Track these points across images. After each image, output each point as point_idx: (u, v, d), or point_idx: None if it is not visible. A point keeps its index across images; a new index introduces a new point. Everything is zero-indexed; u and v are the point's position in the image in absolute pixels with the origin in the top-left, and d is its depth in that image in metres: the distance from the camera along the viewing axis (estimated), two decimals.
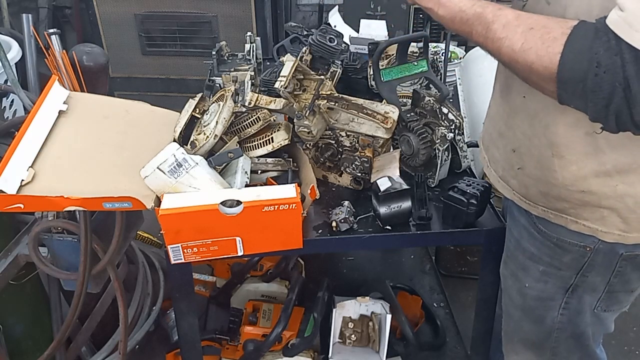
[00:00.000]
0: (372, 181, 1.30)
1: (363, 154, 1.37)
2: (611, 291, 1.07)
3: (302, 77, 1.36)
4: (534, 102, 0.98)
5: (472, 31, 0.92)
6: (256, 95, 1.30)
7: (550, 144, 0.97)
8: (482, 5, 0.92)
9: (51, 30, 1.46)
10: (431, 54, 1.79)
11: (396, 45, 1.38)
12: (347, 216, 1.27)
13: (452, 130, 1.37)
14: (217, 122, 1.23)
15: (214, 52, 1.56)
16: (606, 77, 0.75)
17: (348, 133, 1.38)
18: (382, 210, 1.25)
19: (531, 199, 1.07)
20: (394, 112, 1.34)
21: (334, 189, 1.45)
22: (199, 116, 1.34)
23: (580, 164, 0.95)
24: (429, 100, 1.38)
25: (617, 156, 0.92)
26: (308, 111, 1.31)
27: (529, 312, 1.18)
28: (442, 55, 1.81)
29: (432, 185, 1.43)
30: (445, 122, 1.37)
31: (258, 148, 1.35)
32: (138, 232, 2.12)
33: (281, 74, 1.30)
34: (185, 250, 1.14)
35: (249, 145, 1.35)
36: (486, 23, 0.89)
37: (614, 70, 0.74)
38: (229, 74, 1.47)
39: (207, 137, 1.23)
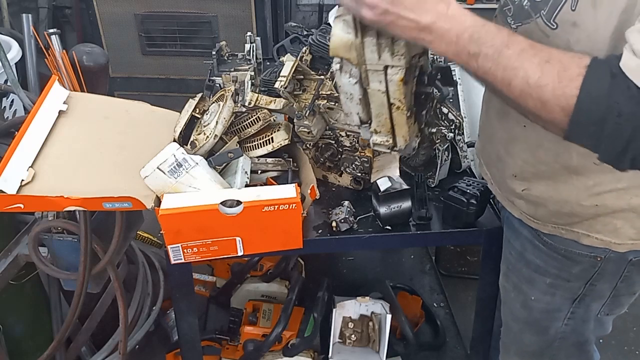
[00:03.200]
0: (372, 181, 1.30)
1: (363, 154, 1.37)
2: (616, 295, 1.05)
3: (302, 77, 1.36)
4: (537, 132, 0.93)
5: (480, 53, 0.77)
6: (256, 95, 1.30)
7: (565, 167, 0.94)
8: (494, 25, 0.79)
9: (51, 30, 1.47)
10: (431, 54, 1.79)
11: None
12: (347, 216, 1.27)
13: (452, 130, 1.37)
14: (217, 122, 1.23)
15: (214, 52, 1.56)
16: (627, 125, 0.71)
17: (348, 133, 1.38)
18: (382, 210, 1.25)
19: (540, 218, 1.04)
20: None
21: (334, 189, 1.45)
22: (199, 116, 1.34)
23: (596, 180, 0.93)
24: None
25: (634, 174, 0.89)
26: (308, 111, 1.31)
27: (532, 324, 1.15)
28: None
29: (432, 185, 1.43)
30: (445, 122, 1.37)
31: (258, 148, 1.34)
32: (138, 232, 2.12)
33: (281, 74, 1.30)
34: (185, 250, 1.14)
35: (249, 145, 1.35)
36: (500, 45, 0.76)
37: (636, 118, 0.70)
38: (229, 74, 1.47)
39: (207, 137, 1.23)
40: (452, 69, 1.89)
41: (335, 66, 0.96)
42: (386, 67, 0.90)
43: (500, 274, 1.23)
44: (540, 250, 1.07)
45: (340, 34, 0.91)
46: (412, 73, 0.95)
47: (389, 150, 1.02)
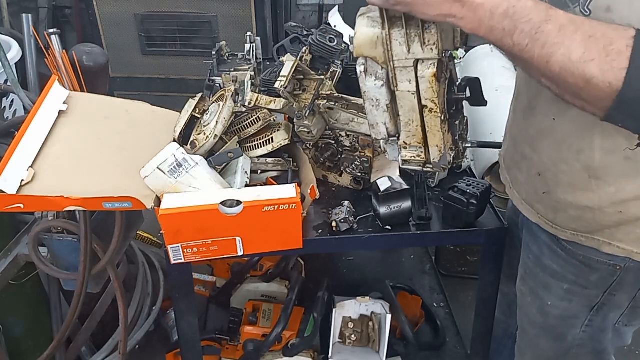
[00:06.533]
0: (372, 181, 1.30)
1: (363, 154, 1.37)
2: (635, 306, 1.03)
3: (302, 77, 1.36)
4: (564, 125, 0.91)
5: (516, 29, 0.74)
6: (256, 95, 1.30)
7: (586, 168, 0.90)
8: None
9: (51, 30, 1.47)
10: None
11: None
12: (347, 216, 1.27)
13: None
14: (217, 122, 1.23)
15: (214, 52, 1.56)
16: None
17: (348, 133, 1.38)
18: (382, 210, 1.25)
19: (559, 223, 1.01)
20: None
21: (334, 189, 1.45)
22: (199, 116, 1.34)
23: (619, 185, 0.89)
24: None
25: None
26: (308, 111, 1.31)
27: (549, 329, 1.13)
28: None
29: (432, 185, 1.43)
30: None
31: (258, 148, 1.35)
32: (138, 232, 2.12)
33: (281, 74, 1.30)
34: (185, 250, 1.14)
35: (249, 145, 1.35)
36: (538, 21, 0.73)
37: None
38: (229, 74, 1.47)
39: (207, 137, 1.23)
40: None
41: (359, 68, 0.90)
42: (416, 62, 0.84)
43: (517, 277, 1.21)
44: (558, 256, 1.04)
45: (364, 29, 0.86)
46: (443, 70, 0.89)
47: (420, 168, 0.96)
